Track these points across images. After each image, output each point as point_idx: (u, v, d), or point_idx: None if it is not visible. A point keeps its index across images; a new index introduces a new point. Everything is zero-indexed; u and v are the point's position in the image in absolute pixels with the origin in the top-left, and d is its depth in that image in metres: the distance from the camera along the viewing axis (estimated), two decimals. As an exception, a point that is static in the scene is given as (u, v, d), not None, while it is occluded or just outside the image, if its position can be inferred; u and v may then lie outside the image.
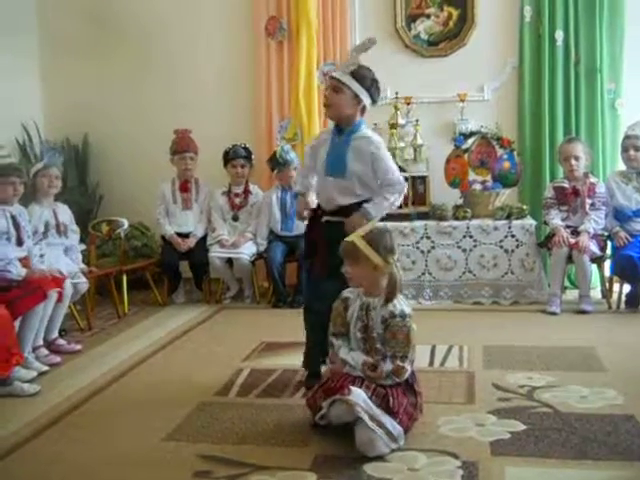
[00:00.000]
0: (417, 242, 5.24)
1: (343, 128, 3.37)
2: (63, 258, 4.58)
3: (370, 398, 2.74)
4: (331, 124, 3.57)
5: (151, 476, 2.60)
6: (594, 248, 4.89)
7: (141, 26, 6.04)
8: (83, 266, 4.73)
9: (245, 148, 5.56)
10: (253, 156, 5.63)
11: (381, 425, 2.69)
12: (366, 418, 2.67)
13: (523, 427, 2.92)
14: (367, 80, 3.34)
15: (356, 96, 3.31)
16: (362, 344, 2.94)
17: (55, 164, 4.66)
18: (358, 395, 2.72)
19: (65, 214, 4.72)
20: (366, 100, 3.34)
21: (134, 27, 6.05)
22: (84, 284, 4.62)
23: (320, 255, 3.38)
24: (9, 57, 5.69)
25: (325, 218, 3.43)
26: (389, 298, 2.87)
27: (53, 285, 4.03)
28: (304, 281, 3.78)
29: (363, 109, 3.37)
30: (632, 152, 4.99)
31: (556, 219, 5.04)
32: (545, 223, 5.29)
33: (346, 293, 3.02)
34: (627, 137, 5.05)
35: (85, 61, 6.12)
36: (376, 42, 3.43)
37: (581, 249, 4.82)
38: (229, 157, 5.56)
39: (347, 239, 2.91)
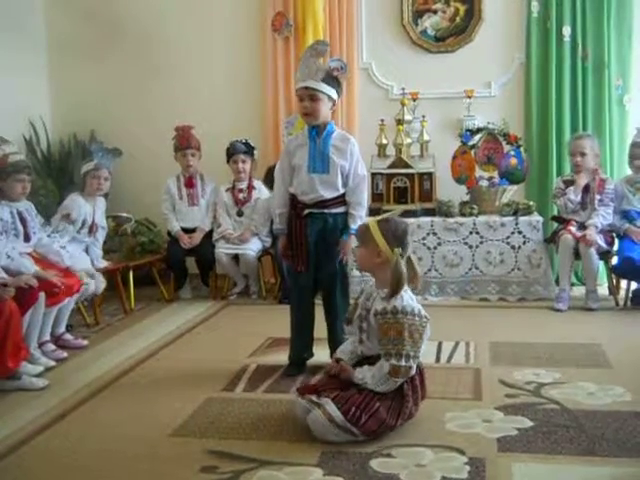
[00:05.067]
0: (423, 238, 5.23)
1: (320, 130, 3.57)
2: (83, 256, 4.59)
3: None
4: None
5: (158, 471, 2.60)
6: (601, 242, 4.87)
7: (147, 23, 6.05)
8: (104, 265, 4.70)
9: (246, 143, 5.53)
10: (256, 151, 5.61)
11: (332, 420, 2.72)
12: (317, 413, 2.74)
13: (530, 424, 2.91)
14: (332, 78, 3.54)
15: (330, 98, 3.54)
16: (358, 332, 2.95)
17: (105, 165, 4.64)
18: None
19: (100, 211, 4.75)
20: (335, 97, 3.58)
21: (140, 24, 6.04)
22: (101, 283, 4.61)
23: (301, 249, 3.60)
24: (17, 54, 5.70)
25: (307, 210, 3.58)
26: (393, 292, 2.83)
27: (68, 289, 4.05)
28: (286, 275, 3.95)
29: (333, 105, 3.61)
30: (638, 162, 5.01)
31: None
32: (555, 219, 5.25)
33: (370, 283, 3.07)
34: (634, 144, 5.05)
35: (92, 58, 6.12)
36: (328, 45, 3.74)
37: (588, 242, 4.80)
38: (229, 153, 5.56)
39: (365, 221, 3.03)
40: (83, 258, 4.58)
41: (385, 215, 3.00)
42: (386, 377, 2.78)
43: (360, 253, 2.98)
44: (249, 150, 5.55)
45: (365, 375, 2.82)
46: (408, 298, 2.84)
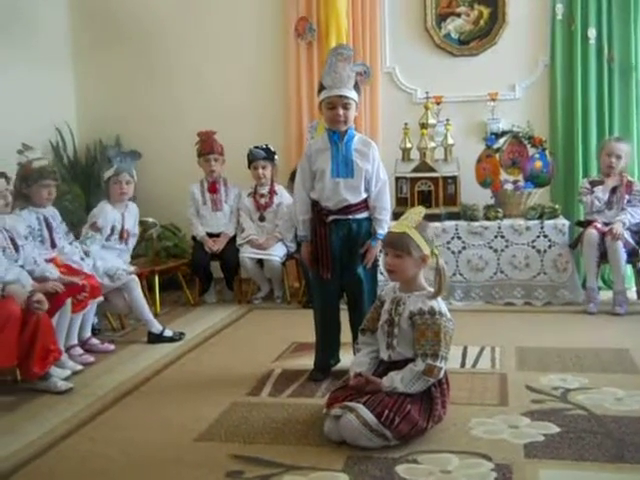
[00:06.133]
0: (448, 242, 5.21)
1: (341, 134, 3.58)
2: (118, 262, 4.62)
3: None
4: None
5: (184, 476, 2.61)
6: (628, 237, 4.81)
7: (171, 30, 6.10)
8: (131, 270, 4.74)
9: (266, 149, 5.54)
10: (276, 156, 5.62)
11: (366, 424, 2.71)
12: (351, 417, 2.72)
13: (557, 429, 2.88)
14: (356, 84, 3.58)
15: (356, 104, 3.61)
16: (385, 337, 2.93)
17: (125, 169, 4.63)
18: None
19: (131, 218, 4.76)
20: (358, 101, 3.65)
21: (164, 31, 6.11)
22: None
23: (326, 256, 3.59)
24: (43, 62, 5.77)
25: (332, 217, 3.57)
26: (438, 292, 2.85)
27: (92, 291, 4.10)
28: (311, 281, 3.94)
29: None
30: None
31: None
32: (579, 224, 5.21)
33: (385, 289, 3.06)
34: None
35: (117, 64, 6.19)
36: (352, 50, 3.75)
37: (615, 235, 4.75)
38: (249, 159, 5.58)
39: (396, 229, 2.93)
40: (117, 265, 4.62)
41: (414, 219, 2.93)
42: (418, 376, 2.79)
43: (400, 264, 2.88)
44: (269, 155, 5.56)
45: (393, 381, 2.82)
46: (441, 301, 2.87)
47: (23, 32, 5.50)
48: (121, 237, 4.67)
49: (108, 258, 4.55)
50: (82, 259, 4.34)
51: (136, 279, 4.58)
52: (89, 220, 4.61)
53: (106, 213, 4.56)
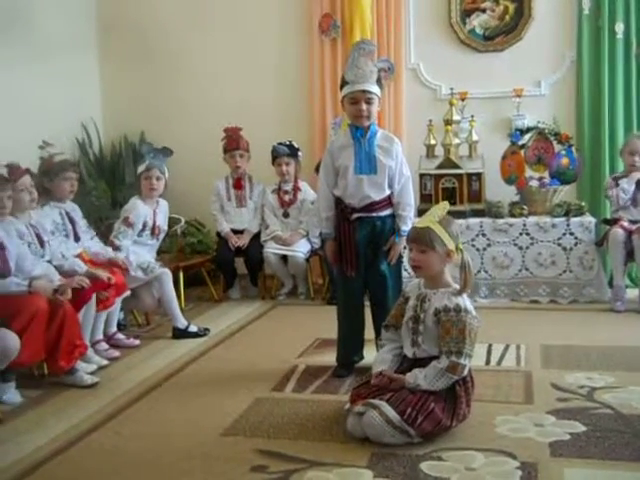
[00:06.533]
0: (472, 240, 5.18)
1: (364, 130, 3.56)
2: (147, 257, 4.67)
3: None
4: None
5: (210, 470, 2.63)
6: None
7: (194, 25, 6.13)
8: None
9: (289, 145, 5.55)
10: (300, 152, 5.62)
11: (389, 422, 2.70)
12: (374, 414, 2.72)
13: (583, 428, 2.86)
14: (378, 79, 3.57)
15: (379, 99, 3.59)
16: (410, 334, 2.92)
17: (157, 165, 4.65)
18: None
19: (162, 214, 4.78)
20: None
21: (188, 27, 6.14)
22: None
23: (350, 253, 3.59)
24: (69, 60, 5.82)
25: (356, 215, 3.56)
26: (464, 288, 2.84)
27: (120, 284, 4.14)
28: (335, 278, 3.94)
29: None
30: None
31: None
32: (605, 222, 5.16)
33: (409, 286, 3.06)
34: None
35: (141, 60, 6.23)
36: (375, 45, 3.82)
37: None
38: (273, 155, 5.59)
39: (420, 224, 2.91)
40: (148, 259, 4.65)
41: (437, 213, 2.91)
42: (442, 373, 2.78)
43: (424, 259, 2.87)
44: (292, 152, 5.57)
45: (417, 378, 2.81)
46: (467, 298, 2.86)
47: (50, 32, 5.55)
48: (153, 233, 4.70)
49: (140, 253, 4.60)
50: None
51: (168, 272, 4.63)
52: (121, 215, 4.64)
53: (138, 209, 4.59)
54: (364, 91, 3.48)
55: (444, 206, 2.97)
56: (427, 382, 2.79)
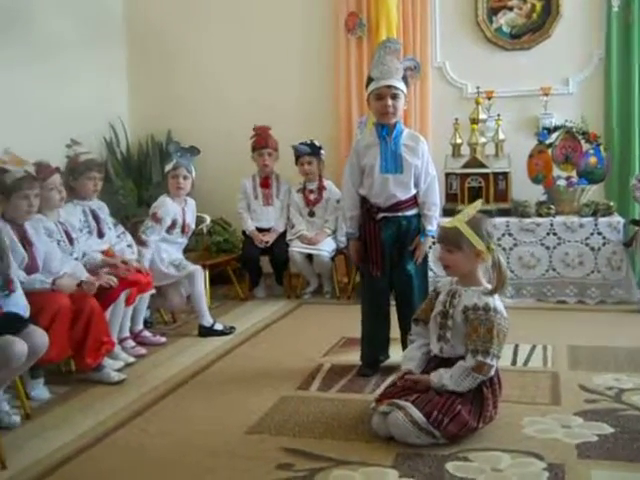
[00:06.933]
0: (499, 239, 5.12)
1: (390, 129, 3.55)
2: (178, 254, 4.71)
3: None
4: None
5: (235, 468, 2.64)
6: None
7: (222, 25, 6.15)
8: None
9: (310, 144, 5.55)
10: (322, 151, 5.61)
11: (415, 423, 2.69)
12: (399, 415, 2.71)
13: (611, 430, 2.83)
14: (404, 77, 3.55)
15: (405, 96, 3.57)
16: (438, 329, 2.91)
17: (183, 164, 4.67)
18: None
19: (190, 212, 4.81)
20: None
21: (213, 26, 6.17)
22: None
23: (376, 253, 3.58)
24: (96, 59, 5.88)
25: (381, 214, 3.55)
26: (497, 289, 2.81)
27: (144, 283, 4.17)
28: (360, 278, 3.94)
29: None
30: None
31: None
32: (634, 222, 5.09)
33: (442, 281, 3.05)
34: None
35: (168, 59, 6.28)
36: (400, 43, 3.82)
37: None
38: (296, 155, 5.59)
39: (448, 224, 2.89)
40: (180, 257, 4.70)
41: (469, 212, 2.89)
42: (467, 372, 2.75)
43: (453, 259, 2.85)
44: (314, 150, 5.56)
45: (442, 378, 2.80)
46: (497, 298, 2.83)
47: (79, 33, 5.61)
48: (183, 231, 4.72)
49: (171, 251, 4.64)
50: (129, 246, 4.41)
51: (200, 269, 4.67)
52: (150, 211, 4.68)
53: (166, 206, 4.62)
54: (389, 86, 3.48)
55: (475, 205, 2.94)
56: (453, 382, 2.78)
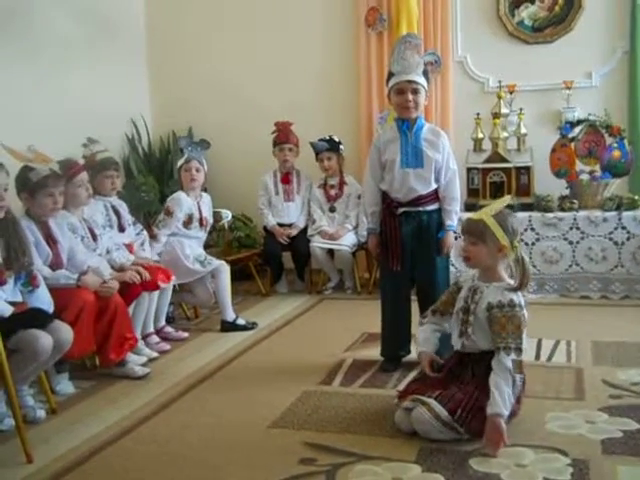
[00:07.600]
0: (521, 234, 5.09)
1: (411, 123, 3.54)
2: (199, 249, 4.74)
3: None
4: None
5: (258, 461, 2.65)
6: None
7: (243, 20, 6.17)
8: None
9: (329, 140, 5.55)
10: (341, 146, 5.61)
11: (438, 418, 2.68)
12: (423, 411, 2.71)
13: (636, 426, 2.81)
14: (425, 72, 3.54)
15: (426, 91, 3.56)
16: (459, 324, 2.89)
17: (195, 157, 4.70)
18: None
19: (206, 206, 4.83)
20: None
21: (234, 22, 6.19)
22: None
23: (396, 248, 3.57)
24: (118, 57, 5.92)
25: (402, 209, 3.54)
26: (520, 286, 2.79)
27: (164, 277, 4.18)
28: (380, 273, 3.93)
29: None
30: None
31: None
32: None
33: (463, 276, 3.04)
34: None
35: (189, 56, 6.31)
36: (420, 38, 3.79)
37: None
38: (315, 151, 5.59)
39: (475, 216, 2.87)
40: (202, 252, 4.74)
41: (496, 207, 2.86)
42: (510, 374, 2.68)
43: (476, 252, 2.83)
44: (333, 146, 5.56)
45: (494, 406, 2.65)
46: (520, 294, 2.81)
47: (103, 34, 5.65)
48: (201, 224, 4.75)
49: (194, 246, 4.67)
50: (142, 244, 4.43)
51: (225, 264, 4.69)
52: (164, 206, 4.72)
53: (181, 201, 4.65)
54: (410, 81, 3.47)
55: (504, 199, 2.92)
56: (502, 398, 2.66)
